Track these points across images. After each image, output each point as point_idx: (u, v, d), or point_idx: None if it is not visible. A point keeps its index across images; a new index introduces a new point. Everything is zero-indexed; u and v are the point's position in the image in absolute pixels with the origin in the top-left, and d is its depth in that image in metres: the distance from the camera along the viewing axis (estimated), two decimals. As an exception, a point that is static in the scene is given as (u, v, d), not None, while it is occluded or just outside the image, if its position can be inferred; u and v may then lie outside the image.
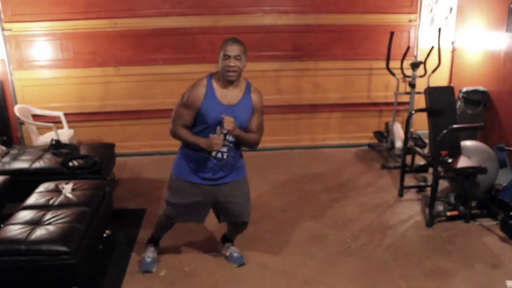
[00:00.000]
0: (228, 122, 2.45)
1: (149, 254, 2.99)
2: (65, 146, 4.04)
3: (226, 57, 2.45)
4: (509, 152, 4.03)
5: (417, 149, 4.29)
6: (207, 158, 2.60)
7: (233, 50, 2.45)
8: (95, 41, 4.83)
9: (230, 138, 2.56)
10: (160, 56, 4.92)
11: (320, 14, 4.96)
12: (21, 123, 4.93)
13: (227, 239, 3.07)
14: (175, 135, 2.65)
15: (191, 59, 4.92)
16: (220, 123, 2.48)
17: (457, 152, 3.72)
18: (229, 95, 2.55)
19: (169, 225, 2.95)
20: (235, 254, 3.00)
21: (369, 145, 5.29)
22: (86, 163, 3.63)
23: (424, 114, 3.94)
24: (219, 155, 2.60)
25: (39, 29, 4.75)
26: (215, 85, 2.55)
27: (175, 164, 2.77)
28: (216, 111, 2.51)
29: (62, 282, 2.52)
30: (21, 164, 3.67)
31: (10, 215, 2.81)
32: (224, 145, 2.55)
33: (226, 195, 2.72)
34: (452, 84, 4.88)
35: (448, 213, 3.51)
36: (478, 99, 4.55)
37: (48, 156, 3.82)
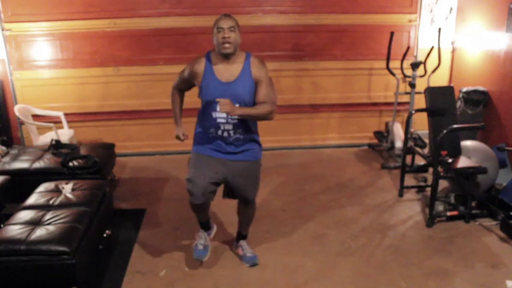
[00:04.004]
0: (223, 105, 2.43)
1: (201, 241, 2.96)
2: (65, 146, 4.04)
3: (220, 29, 2.49)
4: (509, 152, 4.03)
5: (417, 149, 4.30)
6: (214, 136, 2.63)
7: (226, 22, 2.50)
8: (95, 41, 4.83)
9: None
10: (160, 56, 4.92)
11: (320, 14, 4.96)
12: (21, 123, 4.93)
13: (240, 236, 3.06)
14: (171, 95, 2.88)
15: (191, 59, 4.86)
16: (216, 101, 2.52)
17: (457, 152, 3.72)
18: (228, 72, 2.56)
19: (197, 204, 2.77)
20: (248, 254, 2.99)
21: (369, 145, 5.29)
22: (86, 163, 3.63)
23: (424, 114, 3.94)
24: (225, 133, 2.61)
25: (39, 29, 4.76)
26: (213, 62, 2.58)
27: (193, 143, 2.79)
28: (214, 88, 2.54)
29: (62, 282, 2.52)
30: (21, 164, 3.67)
31: (10, 215, 2.81)
32: (228, 122, 2.57)
33: (235, 172, 2.70)
34: (452, 84, 4.88)
35: (448, 213, 3.51)
36: (478, 99, 4.55)
37: (48, 156, 3.82)
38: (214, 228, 3.12)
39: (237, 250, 3.07)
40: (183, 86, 2.80)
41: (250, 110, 2.57)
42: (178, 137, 2.83)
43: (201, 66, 2.60)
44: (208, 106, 2.60)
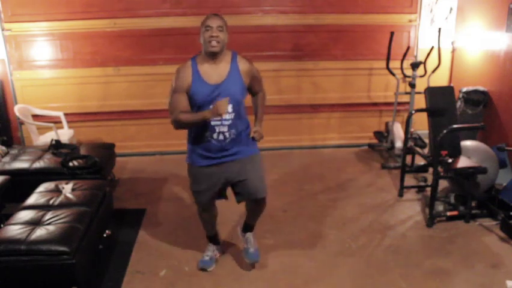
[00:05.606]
0: (221, 107, 2.38)
1: (208, 252, 2.97)
2: (65, 146, 4.04)
3: (209, 28, 2.46)
4: (509, 152, 4.03)
5: (417, 149, 4.30)
6: (209, 141, 2.59)
7: (215, 21, 2.47)
8: (95, 41, 4.84)
9: (226, 116, 2.53)
10: (160, 56, 4.92)
11: (320, 14, 4.96)
12: (21, 123, 4.93)
13: (247, 226, 2.99)
14: (178, 123, 2.53)
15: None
16: (212, 101, 2.48)
17: (457, 152, 3.72)
18: (215, 73, 2.53)
19: (206, 214, 2.86)
20: (251, 250, 2.93)
21: (369, 145, 5.29)
22: (86, 163, 3.63)
23: (424, 114, 3.94)
24: (220, 136, 2.57)
25: (39, 29, 4.76)
26: (199, 66, 2.54)
27: (187, 153, 2.75)
28: (204, 92, 2.51)
29: (62, 282, 2.52)
30: (21, 164, 3.67)
31: (10, 215, 2.81)
32: (222, 124, 2.54)
33: (236, 172, 2.67)
34: (452, 84, 4.88)
35: (448, 213, 3.51)
36: (478, 99, 4.56)
37: (48, 156, 3.82)
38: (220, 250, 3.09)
39: (242, 240, 3.00)
40: (183, 101, 2.54)
41: (261, 117, 2.83)
42: (216, 111, 2.41)
43: (188, 70, 2.53)
44: (200, 111, 2.54)
